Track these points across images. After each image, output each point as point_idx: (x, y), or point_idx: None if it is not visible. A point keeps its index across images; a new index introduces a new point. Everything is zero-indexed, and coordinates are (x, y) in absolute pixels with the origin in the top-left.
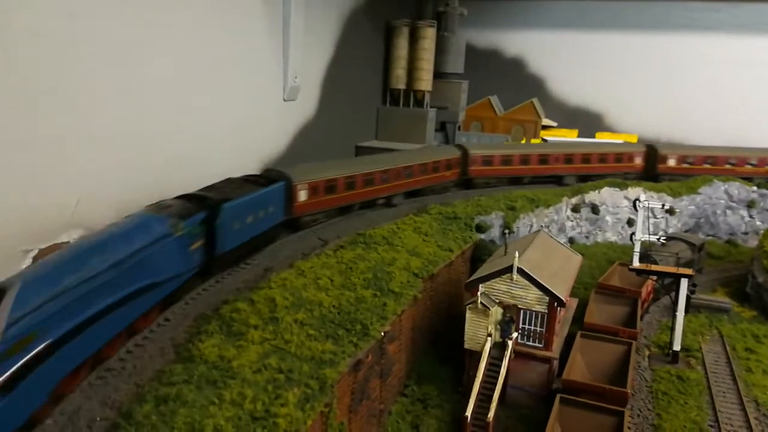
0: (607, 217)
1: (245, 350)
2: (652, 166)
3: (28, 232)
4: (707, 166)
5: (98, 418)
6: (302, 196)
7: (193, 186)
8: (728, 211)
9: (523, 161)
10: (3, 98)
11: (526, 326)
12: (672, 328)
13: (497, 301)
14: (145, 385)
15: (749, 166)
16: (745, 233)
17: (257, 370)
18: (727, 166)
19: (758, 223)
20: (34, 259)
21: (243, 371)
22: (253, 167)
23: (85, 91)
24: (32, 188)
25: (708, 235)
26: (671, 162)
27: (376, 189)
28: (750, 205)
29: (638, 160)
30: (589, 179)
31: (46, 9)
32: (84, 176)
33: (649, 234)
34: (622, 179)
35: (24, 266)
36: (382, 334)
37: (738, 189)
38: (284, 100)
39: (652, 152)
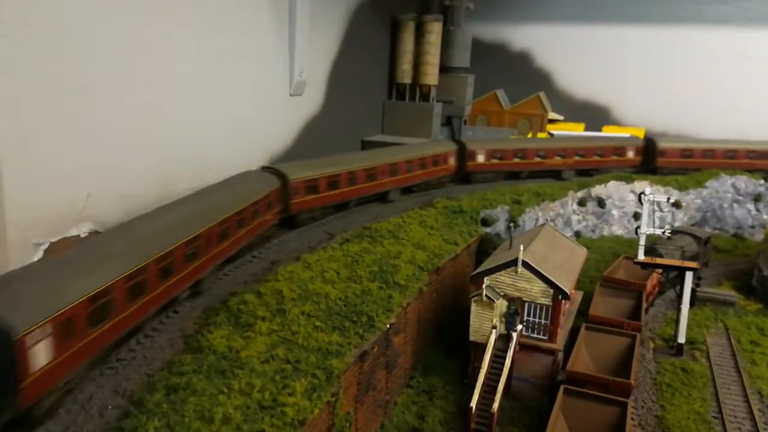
0: (614, 211)
1: (253, 341)
2: (462, 164)
3: (39, 225)
4: (517, 160)
5: (110, 406)
6: (41, 354)
7: (200, 180)
8: (735, 205)
9: (351, 180)
10: (13, 93)
11: (531, 318)
12: (677, 321)
13: (502, 293)
14: (155, 374)
15: (558, 158)
16: (752, 227)
17: (265, 361)
18: (537, 159)
19: (765, 216)
20: (46, 252)
21: (251, 361)
22: (260, 162)
23: (94, 86)
24: (43, 182)
25: (715, 229)
26: (480, 158)
27: (179, 279)
28: (757, 198)
29: (451, 161)
30: (411, 191)
31: (57, 4)
32: (94, 171)
33: (655, 227)
34: (439, 183)
35: (35, 259)
36: (388, 326)
37: (745, 182)
38: (290, 95)
39: (462, 150)
